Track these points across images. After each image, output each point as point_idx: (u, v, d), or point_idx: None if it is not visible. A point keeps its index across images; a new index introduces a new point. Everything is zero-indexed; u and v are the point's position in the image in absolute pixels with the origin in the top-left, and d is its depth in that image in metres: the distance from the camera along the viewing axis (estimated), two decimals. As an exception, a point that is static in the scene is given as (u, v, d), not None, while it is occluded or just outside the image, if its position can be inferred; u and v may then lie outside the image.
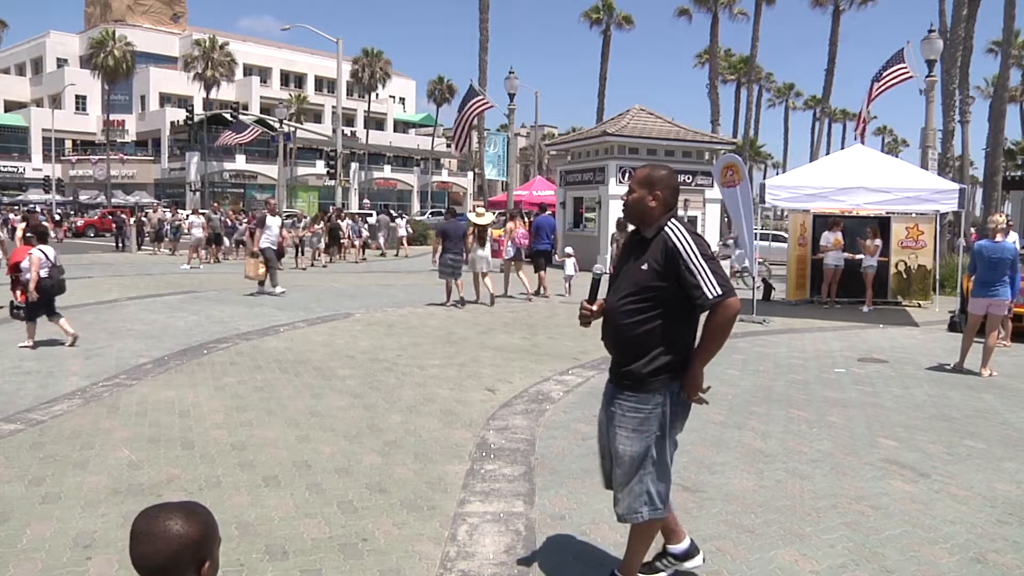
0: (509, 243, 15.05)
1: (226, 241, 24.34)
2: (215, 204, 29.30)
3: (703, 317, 3.03)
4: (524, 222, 16.01)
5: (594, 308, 3.23)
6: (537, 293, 14.96)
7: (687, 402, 3.09)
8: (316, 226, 23.92)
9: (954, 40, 26.44)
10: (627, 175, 21.37)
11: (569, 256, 15.88)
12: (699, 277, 2.91)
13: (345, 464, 4.85)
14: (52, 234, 37.69)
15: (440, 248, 12.98)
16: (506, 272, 15.37)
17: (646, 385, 3.02)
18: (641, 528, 3.16)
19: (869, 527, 4.03)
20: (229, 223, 25.00)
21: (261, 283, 14.36)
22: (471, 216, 14.67)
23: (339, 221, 24.43)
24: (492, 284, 13.53)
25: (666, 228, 3.05)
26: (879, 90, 18.36)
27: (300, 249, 23.05)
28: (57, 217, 39.65)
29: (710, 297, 2.90)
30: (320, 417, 5.92)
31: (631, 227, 3.28)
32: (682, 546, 3.41)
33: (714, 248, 18.14)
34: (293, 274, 18.94)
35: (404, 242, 28.55)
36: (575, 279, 15.69)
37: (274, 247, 14.41)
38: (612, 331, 3.14)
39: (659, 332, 3.00)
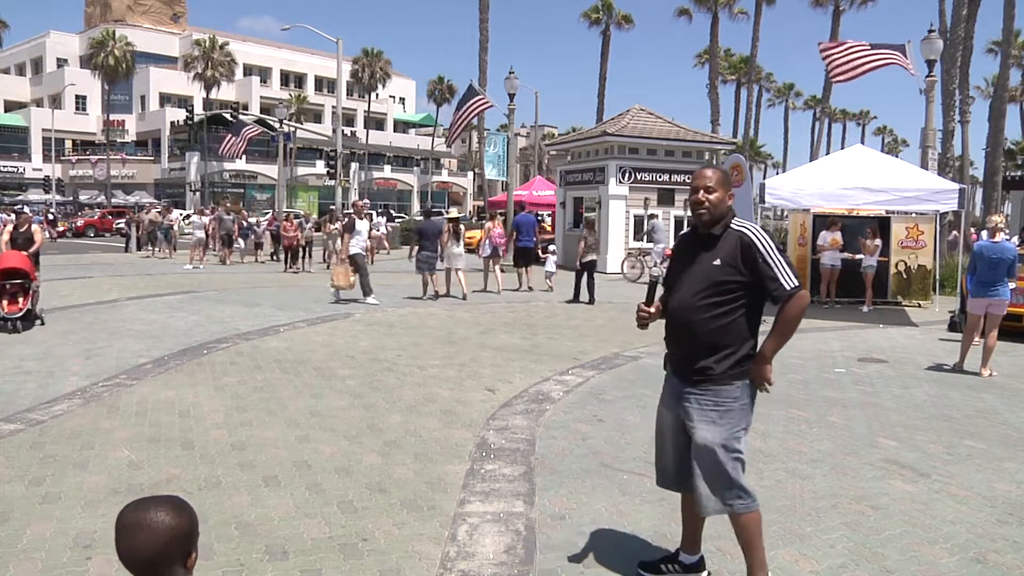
0: (486, 241, 16.07)
1: (240, 242, 23.20)
2: (227, 204, 28.35)
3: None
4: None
5: (652, 310, 3.29)
6: (517, 289, 15.93)
7: (756, 392, 3.16)
8: (331, 226, 22.16)
9: (954, 40, 26.44)
10: (627, 175, 21.41)
11: (552, 253, 16.57)
12: (776, 269, 3.02)
13: (345, 464, 4.85)
14: (47, 234, 37.33)
15: (417, 246, 14.16)
16: (485, 269, 16.19)
17: (726, 378, 3.07)
18: (743, 526, 3.14)
19: (869, 527, 4.03)
20: (244, 224, 24.02)
21: (359, 291, 13.26)
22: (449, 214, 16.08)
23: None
24: (465, 280, 14.38)
25: (735, 224, 3.15)
26: (872, 65, 17.32)
27: (307, 251, 20.98)
28: (51, 217, 39.57)
29: (787, 288, 3.00)
30: (320, 417, 5.92)
31: (689, 227, 3.33)
32: (694, 559, 3.43)
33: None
34: (297, 276, 18.95)
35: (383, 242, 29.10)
36: (556, 275, 16.37)
37: (364, 252, 13.49)
38: (685, 328, 3.17)
39: (736, 325, 3.09)
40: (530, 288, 15.93)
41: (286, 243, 20.60)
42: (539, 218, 26.32)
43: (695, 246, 3.24)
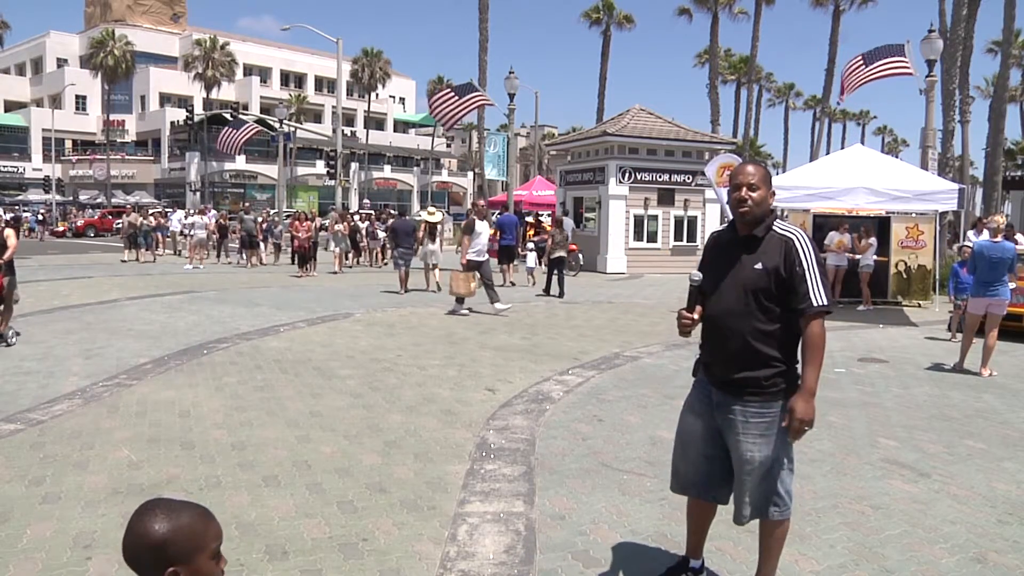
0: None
1: (261, 244, 22.00)
2: (247, 204, 26.37)
3: None
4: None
5: (695, 316, 3.11)
6: (500, 285, 17.03)
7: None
8: (337, 226, 20.55)
9: (954, 40, 26.44)
10: (627, 175, 21.41)
11: (531, 251, 17.77)
12: (810, 281, 2.85)
13: (345, 464, 4.85)
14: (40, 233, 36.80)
15: (393, 244, 15.42)
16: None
17: (773, 393, 2.93)
18: (772, 533, 3.10)
19: (869, 527, 4.03)
20: (265, 224, 22.67)
21: (460, 300, 12.08)
22: (423, 215, 16.64)
23: (360, 223, 22.96)
24: (440, 275, 15.35)
25: (778, 227, 2.98)
26: (873, 76, 17.89)
27: (312, 253, 19.46)
28: (40, 216, 39.41)
29: (815, 304, 2.83)
30: (320, 417, 5.92)
31: (723, 226, 3.15)
32: (699, 563, 3.40)
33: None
34: (302, 279, 18.93)
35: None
36: (536, 271, 17.48)
37: (483, 258, 12.19)
38: (727, 336, 2.99)
39: (782, 335, 2.92)
40: (512, 284, 16.89)
41: (296, 245, 18.94)
42: (539, 218, 26.35)
43: (734, 247, 3.03)
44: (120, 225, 37.59)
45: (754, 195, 2.95)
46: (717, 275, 3.06)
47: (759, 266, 2.92)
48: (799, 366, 2.97)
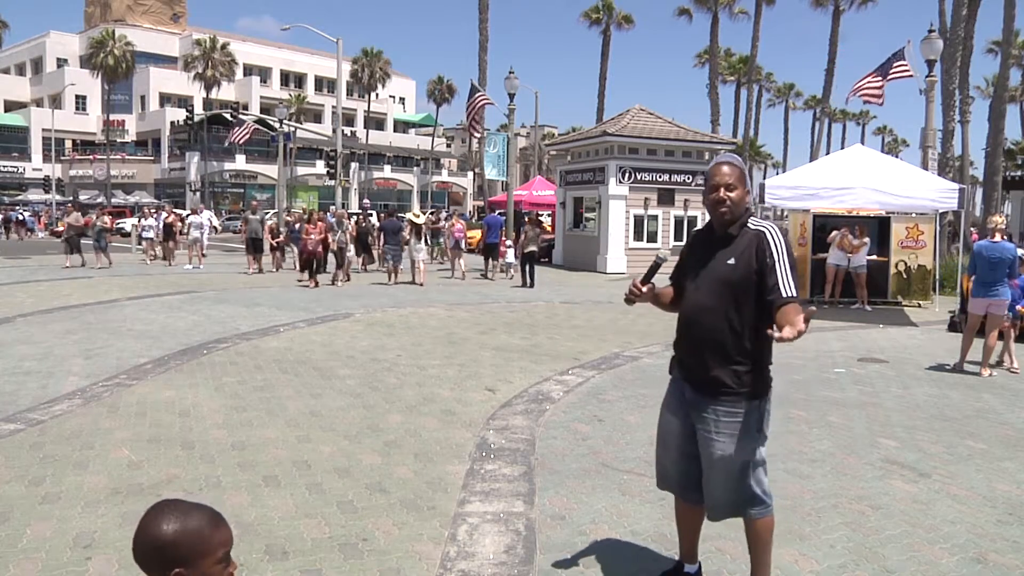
0: (450, 236, 19.67)
1: (293, 248, 19.26)
2: (254, 203, 22.75)
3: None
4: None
5: (644, 290, 3.09)
6: (483, 277, 19.23)
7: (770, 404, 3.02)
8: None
9: (954, 40, 26.42)
10: (627, 175, 21.43)
11: (509, 247, 19.71)
12: (780, 274, 2.85)
13: (345, 464, 4.85)
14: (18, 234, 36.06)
15: (382, 242, 17.35)
16: (452, 258, 19.45)
17: (743, 388, 2.91)
18: (756, 531, 3.07)
19: (869, 527, 4.03)
20: (297, 224, 19.31)
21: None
22: (410, 216, 18.36)
23: (373, 223, 21.43)
24: (424, 270, 17.36)
25: (752, 223, 2.99)
26: (880, 85, 17.94)
27: (339, 258, 17.61)
28: (21, 216, 39.14)
29: (783, 295, 2.82)
30: (320, 417, 5.92)
31: (701, 225, 3.16)
32: (694, 567, 3.35)
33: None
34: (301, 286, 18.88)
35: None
36: (515, 265, 19.04)
37: None
38: (698, 333, 2.99)
39: (752, 332, 2.90)
40: (491, 278, 18.96)
41: (307, 252, 16.24)
42: (538, 217, 26.39)
43: (710, 246, 3.04)
44: (121, 225, 37.36)
45: (732, 195, 2.96)
46: (693, 273, 3.07)
47: (731, 260, 2.94)
48: (772, 366, 3.00)
